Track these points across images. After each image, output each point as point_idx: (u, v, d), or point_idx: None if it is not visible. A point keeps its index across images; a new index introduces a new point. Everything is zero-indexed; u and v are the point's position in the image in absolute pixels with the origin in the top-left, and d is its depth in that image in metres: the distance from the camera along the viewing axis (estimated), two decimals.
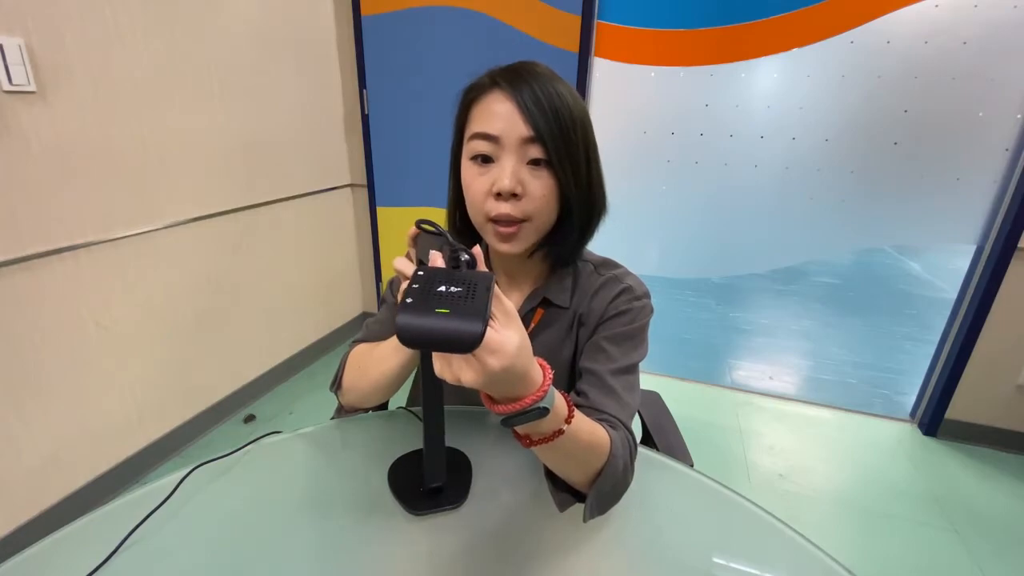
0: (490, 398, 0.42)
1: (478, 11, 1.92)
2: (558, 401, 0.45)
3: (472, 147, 0.58)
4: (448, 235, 0.48)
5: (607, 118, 1.92)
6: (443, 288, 0.35)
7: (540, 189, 0.57)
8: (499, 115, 0.56)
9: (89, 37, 1.28)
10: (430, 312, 0.33)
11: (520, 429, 0.45)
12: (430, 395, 0.57)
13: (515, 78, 0.57)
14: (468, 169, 0.60)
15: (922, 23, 1.57)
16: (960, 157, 1.65)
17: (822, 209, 1.83)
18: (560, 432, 0.46)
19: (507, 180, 0.55)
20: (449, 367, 0.38)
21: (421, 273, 0.37)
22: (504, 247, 0.61)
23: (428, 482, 0.60)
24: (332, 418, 0.77)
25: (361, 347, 0.70)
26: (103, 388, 1.45)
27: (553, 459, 0.51)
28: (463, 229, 0.68)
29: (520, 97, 0.55)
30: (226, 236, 1.76)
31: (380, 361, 0.63)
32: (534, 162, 0.57)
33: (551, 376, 0.43)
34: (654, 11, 1.77)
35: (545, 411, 0.42)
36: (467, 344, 0.33)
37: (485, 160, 0.58)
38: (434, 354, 0.39)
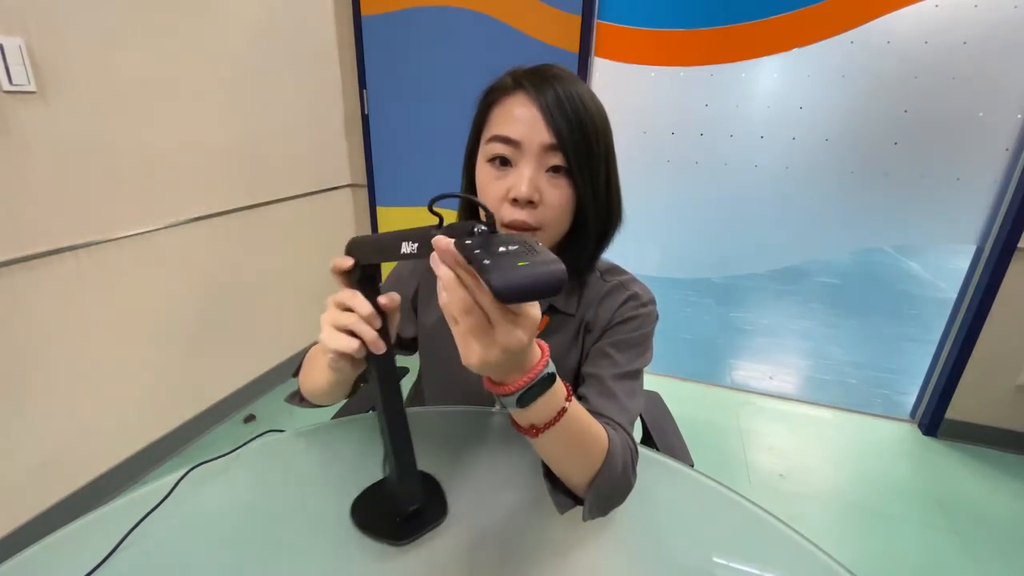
0: (500, 385, 0.43)
1: (478, 11, 1.92)
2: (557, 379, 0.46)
3: (490, 149, 0.57)
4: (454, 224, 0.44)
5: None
6: (502, 248, 0.35)
7: (557, 198, 0.57)
8: (521, 119, 0.55)
9: (89, 37, 1.28)
10: (514, 267, 0.34)
11: (529, 415, 0.45)
12: (394, 421, 0.53)
13: (539, 80, 0.56)
14: (485, 171, 0.58)
15: (922, 23, 1.57)
16: (960, 157, 1.65)
17: (822, 209, 1.83)
18: (563, 411, 0.46)
19: (524, 187, 0.54)
20: (480, 342, 0.38)
21: (469, 243, 0.37)
22: None
23: (404, 507, 0.55)
24: (332, 418, 0.77)
25: (316, 348, 0.64)
26: (103, 388, 1.45)
27: (556, 450, 0.51)
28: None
29: (544, 101, 0.54)
30: (226, 236, 1.76)
31: (320, 371, 0.59)
32: (553, 169, 0.56)
33: (547, 347, 0.44)
34: (654, 11, 1.77)
35: (553, 376, 0.44)
36: (560, 282, 0.34)
37: (503, 163, 0.57)
38: (459, 338, 0.39)
